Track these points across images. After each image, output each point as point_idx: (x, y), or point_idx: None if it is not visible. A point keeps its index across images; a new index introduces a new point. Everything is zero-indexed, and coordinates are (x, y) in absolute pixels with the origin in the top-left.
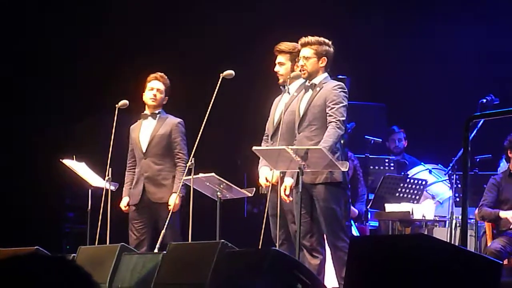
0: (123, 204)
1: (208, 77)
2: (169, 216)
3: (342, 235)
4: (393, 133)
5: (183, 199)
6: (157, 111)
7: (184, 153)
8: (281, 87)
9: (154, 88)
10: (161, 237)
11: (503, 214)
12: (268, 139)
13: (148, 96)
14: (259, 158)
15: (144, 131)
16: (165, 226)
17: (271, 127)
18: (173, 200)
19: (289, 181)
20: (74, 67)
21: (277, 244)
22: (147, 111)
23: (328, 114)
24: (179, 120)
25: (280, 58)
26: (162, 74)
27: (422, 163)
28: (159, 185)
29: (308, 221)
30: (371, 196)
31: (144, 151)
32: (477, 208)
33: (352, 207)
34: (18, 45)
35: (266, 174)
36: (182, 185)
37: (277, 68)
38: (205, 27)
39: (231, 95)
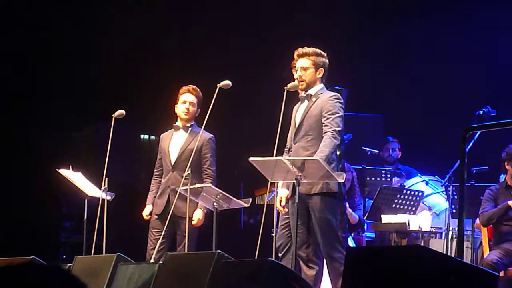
0: (145, 213)
1: (206, 87)
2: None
3: (337, 246)
4: (387, 142)
5: (206, 215)
6: (189, 124)
7: (213, 170)
8: (299, 96)
9: (187, 101)
10: (157, 247)
11: None
12: (288, 150)
13: (181, 110)
14: (256, 169)
15: (175, 143)
16: (162, 236)
17: (291, 137)
18: (197, 216)
19: (284, 192)
20: (72, 77)
21: (280, 255)
22: (179, 123)
23: (324, 124)
24: (211, 136)
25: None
26: (194, 86)
27: (418, 174)
28: (184, 199)
29: (304, 232)
30: (368, 207)
31: (172, 163)
32: (478, 217)
33: (353, 212)
34: (18, 52)
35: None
36: None
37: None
38: (203, 38)
39: (228, 105)
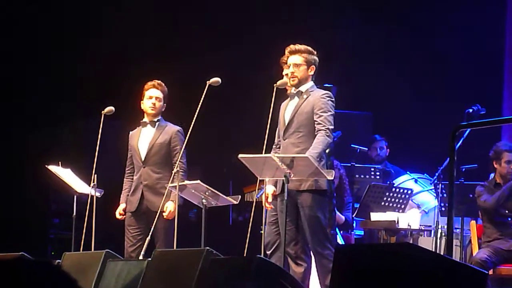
0: (118, 211)
1: (195, 84)
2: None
3: (326, 243)
4: (374, 141)
5: (179, 208)
6: (156, 119)
7: (183, 162)
8: (288, 93)
9: (153, 96)
10: (146, 243)
11: None
12: (276, 147)
13: (147, 105)
14: (245, 166)
15: (143, 139)
16: (150, 233)
17: (279, 134)
18: (169, 208)
19: (270, 189)
20: (61, 73)
21: (268, 252)
22: (146, 119)
23: (316, 122)
24: (178, 128)
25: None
26: (159, 81)
27: (407, 172)
28: (158, 193)
29: (293, 229)
30: (357, 205)
31: (143, 159)
32: (484, 201)
33: (338, 214)
34: (6, 48)
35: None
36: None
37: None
38: (192, 33)
39: (217, 102)
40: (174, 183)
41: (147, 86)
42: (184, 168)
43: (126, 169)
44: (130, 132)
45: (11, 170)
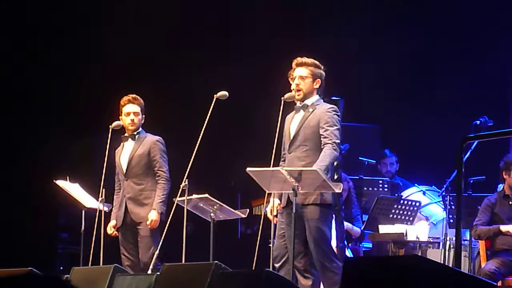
0: (109, 227)
1: (203, 98)
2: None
3: (330, 256)
4: (385, 157)
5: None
6: (135, 132)
7: (164, 170)
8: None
9: (131, 112)
10: (154, 258)
11: (504, 227)
12: (282, 160)
13: (126, 122)
14: (253, 179)
15: (124, 153)
16: (159, 246)
17: (284, 147)
18: (152, 216)
19: (276, 202)
20: (69, 88)
21: (277, 265)
22: (126, 134)
23: (322, 136)
24: (157, 137)
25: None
26: (134, 95)
27: (415, 185)
28: (141, 204)
29: (300, 242)
30: (365, 218)
31: (125, 172)
32: (472, 228)
33: (354, 227)
34: (13, 65)
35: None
36: (162, 202)
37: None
38: (200, 47)
39: (225, 116)
40: (182, 197)
41: (123, 102)
42: (166, 176)
43: (115, 185)
44: (116, 150)
45: (19, 185)
